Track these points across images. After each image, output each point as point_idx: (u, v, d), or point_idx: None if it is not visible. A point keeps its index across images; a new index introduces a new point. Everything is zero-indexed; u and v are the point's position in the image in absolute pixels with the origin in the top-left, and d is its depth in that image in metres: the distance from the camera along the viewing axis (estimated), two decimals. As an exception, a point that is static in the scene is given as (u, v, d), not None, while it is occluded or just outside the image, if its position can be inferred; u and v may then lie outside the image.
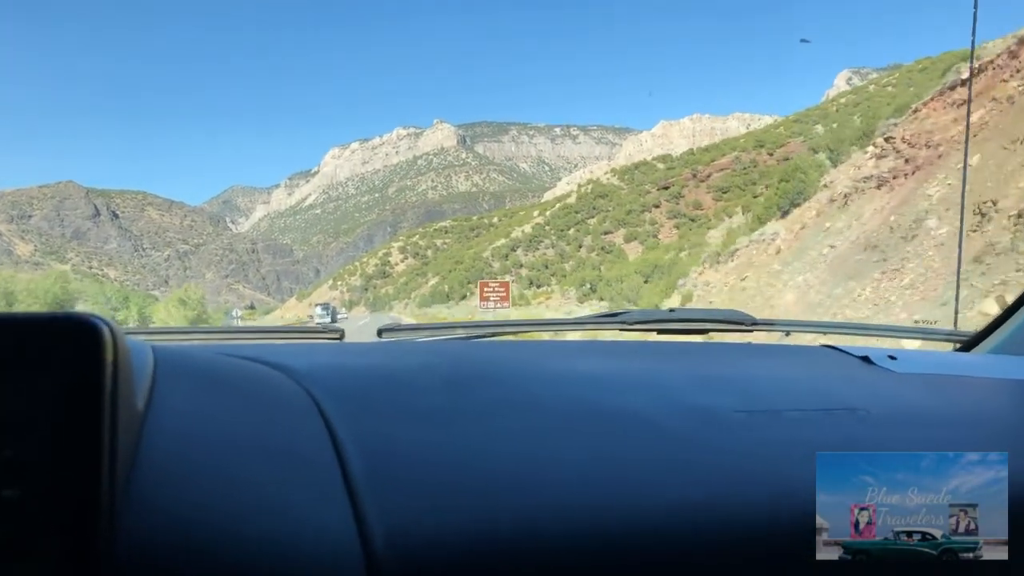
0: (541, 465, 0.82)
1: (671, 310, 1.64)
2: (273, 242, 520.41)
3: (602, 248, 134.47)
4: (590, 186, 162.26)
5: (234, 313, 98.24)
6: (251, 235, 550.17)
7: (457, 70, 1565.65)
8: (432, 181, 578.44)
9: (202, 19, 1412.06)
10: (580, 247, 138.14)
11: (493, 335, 1.75)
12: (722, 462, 0.89)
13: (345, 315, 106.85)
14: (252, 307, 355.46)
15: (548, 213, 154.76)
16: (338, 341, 1.58)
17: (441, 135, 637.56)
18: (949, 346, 1.80)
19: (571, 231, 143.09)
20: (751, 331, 1.68)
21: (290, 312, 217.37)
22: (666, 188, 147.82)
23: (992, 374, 1.29)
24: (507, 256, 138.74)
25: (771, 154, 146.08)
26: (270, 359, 1.03)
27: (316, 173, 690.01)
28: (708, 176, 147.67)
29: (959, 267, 2.95)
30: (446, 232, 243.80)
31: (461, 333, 1.69)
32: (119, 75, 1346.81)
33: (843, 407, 0.97)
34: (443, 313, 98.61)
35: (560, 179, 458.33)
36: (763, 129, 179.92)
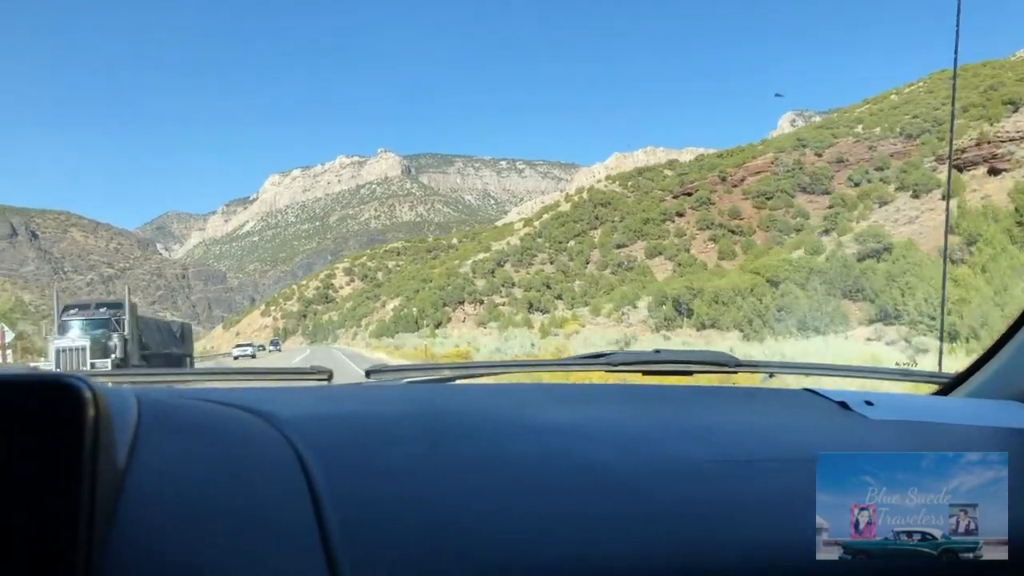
0: (513, 523, 0.81)
1: (656, 351, 1.61)
2: (205, 268, 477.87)
3: (619, 264, 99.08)
4: (585, 193, 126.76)
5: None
6: (183, 261, 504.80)
7: (402, 99, 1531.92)
8: (375, 210, 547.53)
9: (143, 32, 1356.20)
10: (587, 262, 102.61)
11: (480, 375, 1.72)
12: (690, 514, 0.87)
13: (274, 349, 70.59)
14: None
15: (538, 223, 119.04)
16: (326, 383, 1.56)
17: (385, 164, 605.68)
18: (931, 388, 1.73)
19: (571, 243, 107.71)
20: (735, 372, 1.65)
21: (214, 341, 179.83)
22: (688, 194, 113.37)
23: (968, 420, 1.25)
24: (493, 272, 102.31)
25: (819, 155, 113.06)
26: (256, 406, 1.00)
27: (255, 200, 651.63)
28: (742, 180, 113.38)
29: (943, 307, 2.97)
30: (398, 254, 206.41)
31: (447, 374, 1.66)
32: (49, 86, 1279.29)
33: (814, 457, 0.90)
34: (412, 344, 61.75)
35: (506, 212, 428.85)
36: (807, 128, 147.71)
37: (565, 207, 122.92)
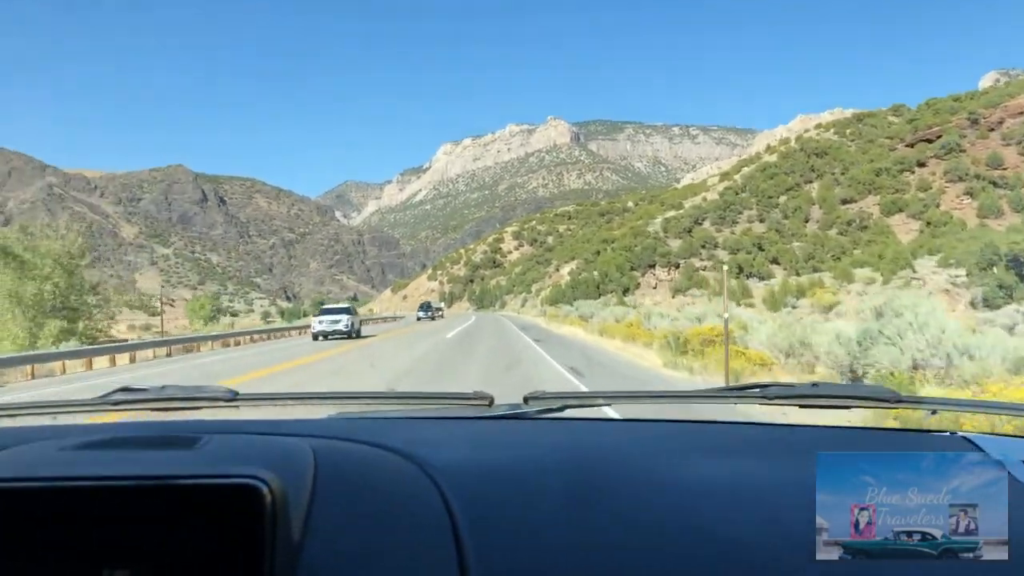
0: None
1: (814, 384, 1.56)
2: (380, 234, 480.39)
3: (848, 223, 78.73)
4: (795, 142, 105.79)
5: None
6: (359, 228, 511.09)
7: (572, 67, 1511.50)
8: (543, 179, 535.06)
9: (321, 15, 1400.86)
10: (806, 220, 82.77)
11: (631, 401, 1.70)
12: None
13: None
14: (355, 298, 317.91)
15: (739, 177, 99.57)
16: (486, 407, 1.55)
17: (554, 132, 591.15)
18: None
19: (782, 199, 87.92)
20: (895, 407, 1.55)
21: (382, 304, 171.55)
22: (928, 141, 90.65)
23: None
24: (690, 230, 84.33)
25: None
26: (413, 452, 1.02)
27: (427, 169, 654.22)
28: (1000, 123, 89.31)
29: None
30: (568, 218, 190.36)
31: (601, 402, 1.64)
32: (238, 65, 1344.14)
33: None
34: (591, 312, 44.99)
35: (678, 180, 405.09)
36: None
37: (770, 158, 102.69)
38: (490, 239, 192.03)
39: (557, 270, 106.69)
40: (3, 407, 1.61)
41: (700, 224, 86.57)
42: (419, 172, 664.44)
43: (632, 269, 78.15)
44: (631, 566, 0.81)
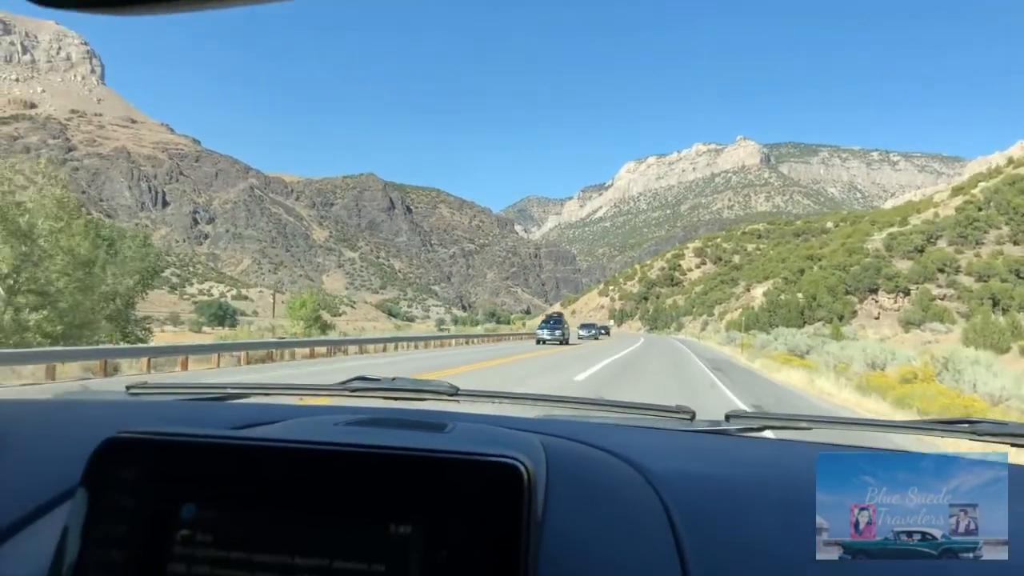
0: None
1: None
2: (557, 249, 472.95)
3: None
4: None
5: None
6: (538, 242, 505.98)
7: (764, 87, 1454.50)
8: (729, 200, 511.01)
9: (507, 33, 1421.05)
10: (1082, 243, 63.89)
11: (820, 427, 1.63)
12: None
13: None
14: (528, 311, 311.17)
15: (978, 191, 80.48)
16: (688, 421, 1.57)
17: (743, 152, 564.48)
18: None
19: (1045, 214, 68.77)
20: None
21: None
22: None
23: None
24: (922, 250, 66.99)
25: None
26: (632, 456, 1.05)
27: (609, 186, 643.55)
28: None
29: None
30: (758, 236, 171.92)
31: (803, 426, 1.59)
32: (432, 80, 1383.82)
33: None
34: (803, 345, 28.87)
35: (874, 208, 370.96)
36: None
37: (1019, 170, 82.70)
38: (669, 255, 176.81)
39: (748, 290, 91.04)
40: (261, 386, 1.80)
41: (933, 242, 68.91)
42: (601, 189, 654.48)
43: (847, 293, 62.12)
44: None
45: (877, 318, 59.91)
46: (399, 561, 0.65)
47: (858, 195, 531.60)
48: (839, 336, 44.66)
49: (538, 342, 40.45)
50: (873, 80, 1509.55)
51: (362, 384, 1.74)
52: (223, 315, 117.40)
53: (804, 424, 1.59)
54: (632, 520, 0.85)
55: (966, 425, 1.43)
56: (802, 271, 72.80)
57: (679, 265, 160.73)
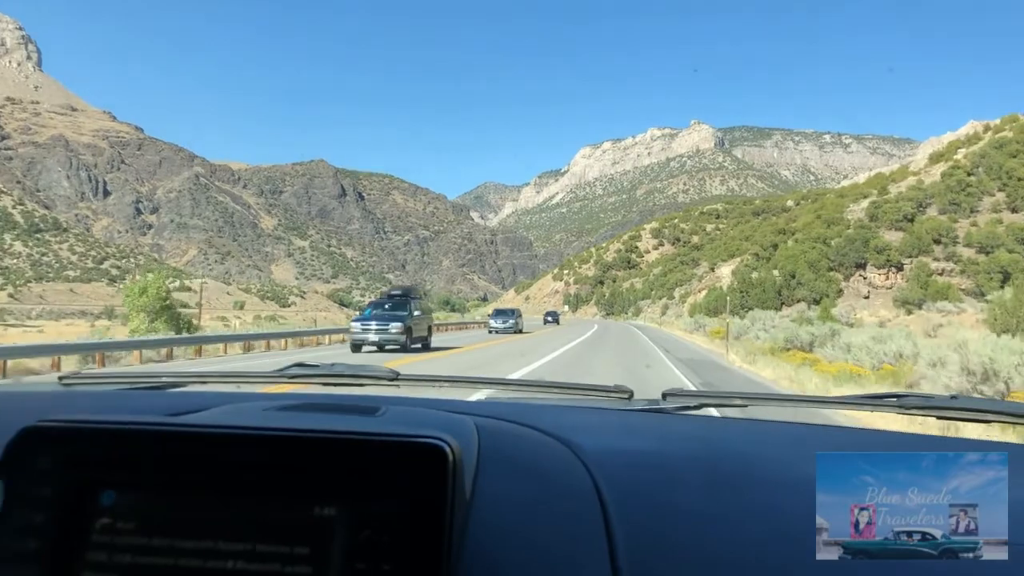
0: None
1: (953, 396, 1.52)
2: (513, 235, 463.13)
3: None
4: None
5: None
6: (495, 229, 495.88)
7: (717, 72, 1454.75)
8: (684, 184, 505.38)
9: (462, 18, 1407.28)
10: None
11: (761, 403, 1.66)
12: None
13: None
14: (485, 299, 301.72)
15: (962, 155, 72.29)
16: (626, 400, 1.57)
17: (698, 136, 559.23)
18: None
19: (1042, 180, 60.40)
20: None
21: (504, 305, 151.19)
22: None
23: None
24: (911, 219, 58.25)
25: None
26: (567, 436, 1.05)
27: (566, 172, 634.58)
28: None
29: None
30: (717, 216, 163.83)
31: (738, 403, 1.62)
32: (385, 64, 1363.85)
33: None
34: (793, 335, 18.18)
35: (829, 189, 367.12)
36: None
37: (1007, 133, 74.56)
38: (625, 237, 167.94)
39: (712, 270, 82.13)
40: (197, 375, 1.78)
41: (923, 211, 60.22)
42: (557, 175, 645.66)
43: (831, 269, 53.11)
44: (760, 560, 0.80)
45: (867, 297, 51.15)
46: (322, 543, 0.65)
47: (811, 178, 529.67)
48: (827, 318, 35.62)
49: (490, 331, 41.36)
50: (825, 64, 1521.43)
51: (300, 371, 1.72)
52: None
53: (740, 401, 1.60)
54: (562, 496, 0.86)
55: (894, 399, 1.46)
56: (775, 246, 63.78)
57: (636, 247, 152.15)
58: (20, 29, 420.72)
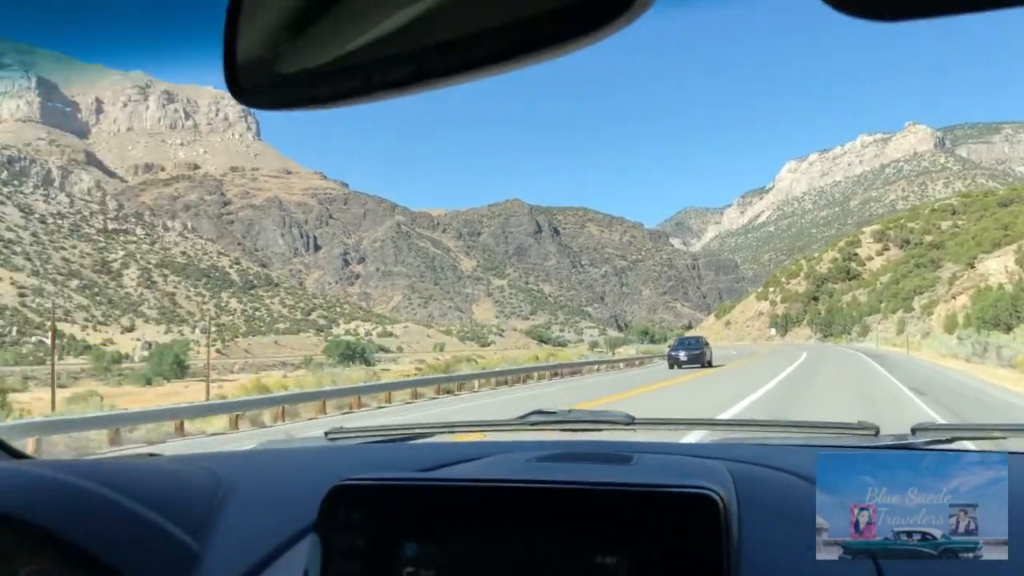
0: None
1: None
2: (716, 258, 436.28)
3: None
4: None
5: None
6: (697, 253, 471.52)
7: (933, 68, 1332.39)
8: (903, 190, 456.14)
9: (645, 50, 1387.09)
10: None
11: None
12: None
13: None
14: (689, 326, 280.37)
15: None
16: (872, 437, 1.46)
17: (914, 139, 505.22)
18: None
19: None
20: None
21: (703, 332, 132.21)
22: None
23: None
24: None
25: None
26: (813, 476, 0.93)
27: (770, 189, 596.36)
28: None
29: None
30: (953, 212, 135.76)
31: (997, 435, 1.48)
32: (576, 99, 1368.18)
33: None
34: None
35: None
36: None
37: None
38: (841, 243, 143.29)
39: (971, 266, 60.33)
40: (446, 425, 1.84)
41: None
42: (761, 193, 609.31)
43: None
44: None
45: None
46: None
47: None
48: None
49: (671, 366, 33.91)
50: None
51: (540, 418, 1.70)
52: (351, 354, 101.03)
53: (998, 434, 1.48)
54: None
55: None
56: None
57: (855, 254, 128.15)
58: (240, 105, 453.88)
